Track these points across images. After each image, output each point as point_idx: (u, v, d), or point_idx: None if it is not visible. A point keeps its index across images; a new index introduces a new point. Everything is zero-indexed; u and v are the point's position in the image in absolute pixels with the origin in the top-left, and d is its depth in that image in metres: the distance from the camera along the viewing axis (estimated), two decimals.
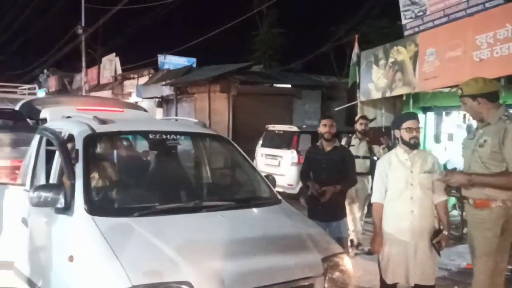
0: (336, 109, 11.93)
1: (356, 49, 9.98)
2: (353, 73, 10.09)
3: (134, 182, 3.85)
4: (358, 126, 6.79)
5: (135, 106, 5.89)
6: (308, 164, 4.89)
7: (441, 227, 3.74)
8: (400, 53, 8.60)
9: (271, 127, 11.27)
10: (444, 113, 9.30)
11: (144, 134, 4.26)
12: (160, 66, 22.54)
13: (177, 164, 4.42)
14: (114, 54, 25.57)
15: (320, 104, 16.10)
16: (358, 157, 6.18)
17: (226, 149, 4.64)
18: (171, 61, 23.07)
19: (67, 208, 3.16)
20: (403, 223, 3.67)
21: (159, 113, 18.42)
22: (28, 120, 4.97)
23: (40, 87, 27.66)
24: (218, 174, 5.12)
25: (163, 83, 18.09)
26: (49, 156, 3.93)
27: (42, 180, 3.87)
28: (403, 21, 8.94)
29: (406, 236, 3.65)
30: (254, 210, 3.65)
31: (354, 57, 10.03)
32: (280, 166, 10.23)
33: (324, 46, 22.29)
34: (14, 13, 31.41)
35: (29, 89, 12.12)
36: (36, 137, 4.21)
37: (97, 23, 23.95)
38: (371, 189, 4.29)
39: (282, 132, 10.87)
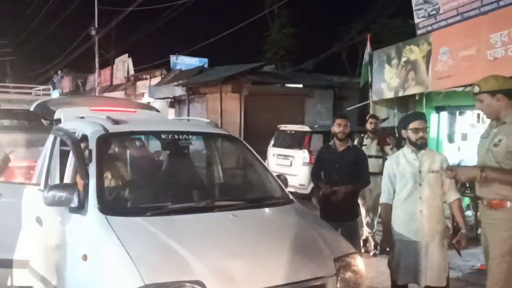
0: (348, 108, 11.87)
1: (368, 49, 9.93)
2: (365, 73, 10.03)
3: (146, 182, 3.88)
4: (368, 126, 6.78)
5: (147, 107, 5.93)
6: (320, 164, 4.87)
7: (460, 226, 3.70)
8: (413, 52, 8.53)
9: (283, 127, 11.26)
10: (457, 112, 9.20)
11: (157, 134, 4.29)
12: (172, 67, 22.67)
13: (189, 164, 4.43)
14: (126, 55, 25.77)
15: (332, 104, 16.04)
16: (370, 156, 6.15)
17: (238, 149, 4.64)
18: (183, 62, 23.19)
19: (81, 208, 3.19)
20: (412, 223, 3.65)
21: (171, 113, 18.51)
22: (43, 120, 5.03)
23: (54, 88, 28.00)
24: (230, 174, 5.13)
25: (175, 83, 18.17)
26: (63, 156, 3.97)
27: (56, 180, 3.92)
28: (416, 20, 8.86)
29: (416, 236, 3.63)
30: (266, 210, 3.65)
31: (366, 57, 9.97)
32: (292, 166, 10.21)
33: (336, 46, 22.24)
34: (28, 16, 31.83)
35: (43, 90, 12.27)
36: (51, 138, 4.26)
37: (110, 25, 24.18)
38: None
39: (294, 132, 10.85)
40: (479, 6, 7.46)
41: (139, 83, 23.33)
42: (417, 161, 3.70)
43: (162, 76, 21.52)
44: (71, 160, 3.78)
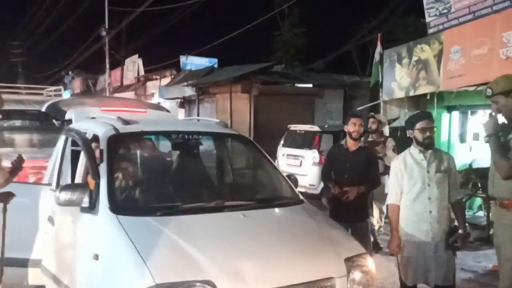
0: (359, 108, 11.80)
1: (379, 48, 9.88)
2: (376, 72, 9.98)
3: (157, 182, 3.89)
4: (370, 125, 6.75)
5: (157, 107, 5.95)
6: (330, 163, 4.84)
7: (458, 226, 3.68)
8: (424, 51, 8.47)
9: (292, 127, 11.24)
10: (469, 112, 9.12)
11: (167, 134, 4.30)
12: (182, 67, 22.72)
13: (199, 164, 4.44)
14: (137, 55, 25.89)
15: (343, 104, 15.97)
16: None
17: (248, 149, 4.64)
18: (193, 62, 23.23)
19: (92, 207, 3.21)
20: (421, 224, 3.62)
21: (181, 113, 18.57)
22: (54, 121, 5.07)
23: (65, 89, 28.22)
24: (240, 174, 5.14)
25: (185, 83, 18.22)
26: (75, 156, 4.00)
27: (67, 180, 3.95)
28: (427, 19, 8.80)
29: (425, 237, 3.60)
30: (276, 210, 3.65)
31: (377, 56, 9.92)
32: (302, 166, 10.19)
33: (347, 45, 22.15)
34: (40, 17, 32.15)
35: (55, 90, 12.39)
36: (62, 138, 4.29)
37: (120, 25, 24.30)
38: None
39: (303, 132, 10.83)
40: (491, 4, 7.39)
41: (149, 84, 23.43)
42: (425, 161, 3.67)
43: (172, 76, 21.58)
44: (82, 160, 3.81)
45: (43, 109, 5.23)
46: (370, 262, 3.20)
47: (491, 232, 6.36)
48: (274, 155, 10.66)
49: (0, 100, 3.64)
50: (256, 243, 3.01)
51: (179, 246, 2.83)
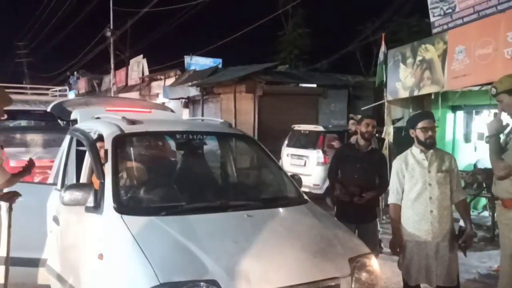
0: (363, 108, 11.78)
1: (383, 48, 9.86)
2: (380, 72, 9.95)
3: (161, 182, 3.90)
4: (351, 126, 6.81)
5: (162, 107, 5.97)
6: (338, 163, 4.82)
7: (466, 226, 3.67)
8: (428, 51, 8.44)
9: (297, 127, 11.24)
10: (474, 112, 9.09)
11: (171, 134, 4.31)
12: (186, 67, 22.76)
13: (203, 164, 4.45)
14: (141, 56, 25.96)
15: (347, 104, 15.94)
16: None
17: (252, 149, 4.65)
18: (197, 62, 23.27)
19: (97, 207, 3.22)
20: (423, 224, 3.61)
21: (185, 113, 18.59)
22: (59, 121, 5.10)
23: (70, 89, 28.35)
24: (244, 173, 5.14)
25: (190, 84, 18.25)
26: (80, 156, 4.02)
27: (72, 180, 3.97)
28: (431, 19, 8.78)
29: (427, 237, 3.60)
30: (280, 209, 3.65)
31: (381, 56, 9.89)
32: (306, 166, 10.19)
33: (351, 45, 22.12)
34: (45, 18, 32.28)
35: (60, 91, 12.47)
36: (67, 138, 4.31)
37: (125, 26, 24.37)
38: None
39: (308, 132, 10.83)
40: (496, 4, 7.36)
41: (153, 84, 23.49)
42: (426, 161, 3.67)
43: (177, 76, 21.63)
44: (87, 160, 3.83)
45: (48, 109, 5.26)
46: (374, 262, 3.20)
47: (496, 232, 6.34)
48: (278, 155, 10.66)
49: (9, 99, 3.67)
50: (260, 243, 3.01)
51: (184, 246, 2.84)
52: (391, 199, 3.81)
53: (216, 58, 24.03)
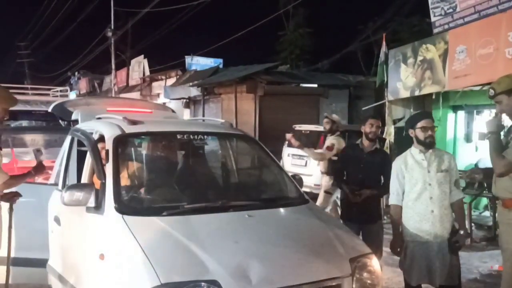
0: (364, 108, 11.79)
1: (384, 48, 9.86)
2: (381, 72, 9.95)
3: (162, 182, 3.91)
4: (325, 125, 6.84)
5: (163, 107, 5.98)
6: (344, 163, 4.82)
7: (459, 226, 3.68)
8: (429, 51, 8.43)
9: (297, 127, 11.24)
10: (475, 111, 9.08)
11: (172, 134, 4.32)
12: (187, 67, 22.77)
13: (204, 164, 4.46)
14: (142, 56, 25.97)
15: (348, 104, 15.95)
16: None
17: (253, 149, 4.65)
18: (198, 62, 23.28)
19: (98, 207, 3.23)
20: (424, 224, 3.62)
21: (186, 113, 18.61)
22: (60, 121, 5.10)
23: (71, 89, 28.38)
24: (245, 174, 5.14)
25: (191, 84, 18.26)
26: (81, 157, 4.02)
27: (74, 180, 3.97)
28: (432, 19, 8.77)
29: (428, 237, 3.61)
30: (281, 210, 3.65)
31: (382, 56, 9.89)
32: (307, 166, 10.18)
33: (352, 45, 22.11)
34: (46, 18, 32.32)
35: (61, 91, 12.48)
36: (68, 138, 4.32)
37: (126, 26, 24.39)
38: None
39: (308, 132, 10.82)
40: (497, 3, 7.35)
41: (154, 84, 23.50)
42: (426, 161, 3.67)
43: (177, 76, 21.63)
44: (88, 160, 3.83)
45: (50, 109, 5.26)
46: (375, 262, 3.20)
47: (497, 232, 6.34)
48: (279, 155, 10.66)
49: (12, 99, 3.67)
50: (261, 243, 3.01)
51: (185, 246, 2.84)
52: (392, 200, 3.81)
53: (217, 58, 24.05)
